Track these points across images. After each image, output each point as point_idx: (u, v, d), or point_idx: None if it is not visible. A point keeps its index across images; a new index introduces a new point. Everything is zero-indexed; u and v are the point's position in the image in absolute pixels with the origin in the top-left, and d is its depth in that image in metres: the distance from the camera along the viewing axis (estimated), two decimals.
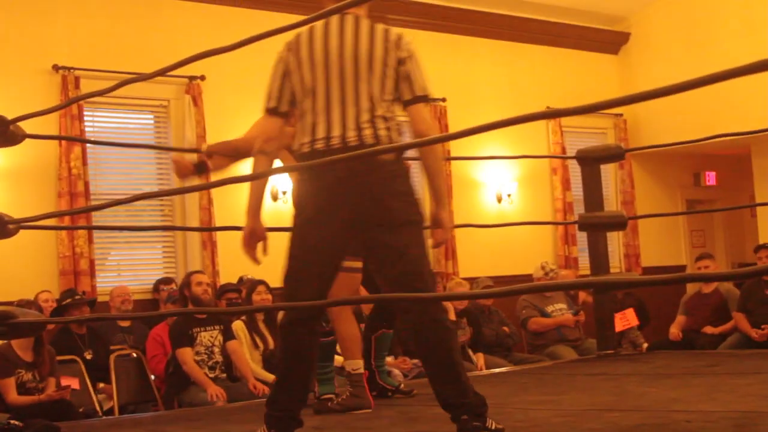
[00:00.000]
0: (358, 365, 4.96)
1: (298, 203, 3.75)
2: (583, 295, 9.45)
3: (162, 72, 3.79)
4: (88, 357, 7.33)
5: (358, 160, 3.49)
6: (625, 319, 9.32)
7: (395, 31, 3.70)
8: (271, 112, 3.81)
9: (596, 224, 6.91)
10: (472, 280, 9.32)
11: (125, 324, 7.90)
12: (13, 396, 6.16)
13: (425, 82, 3.68)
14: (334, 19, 3.69)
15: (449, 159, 10.50)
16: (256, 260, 3.85)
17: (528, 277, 9.67)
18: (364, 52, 3.62)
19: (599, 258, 7.03)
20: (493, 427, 3.51)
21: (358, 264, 4.93)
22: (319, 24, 3.70)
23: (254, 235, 3.84)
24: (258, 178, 3.93)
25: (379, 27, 3.68)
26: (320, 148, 3.60)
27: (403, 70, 3.64)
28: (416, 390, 5.39)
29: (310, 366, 3.77)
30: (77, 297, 7.60)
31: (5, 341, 6.26)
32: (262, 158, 3.90)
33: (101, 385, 7.29)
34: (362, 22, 3.69)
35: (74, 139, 8.23)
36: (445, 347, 3.55)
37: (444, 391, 3.54)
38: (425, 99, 3.69)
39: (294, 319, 3.68)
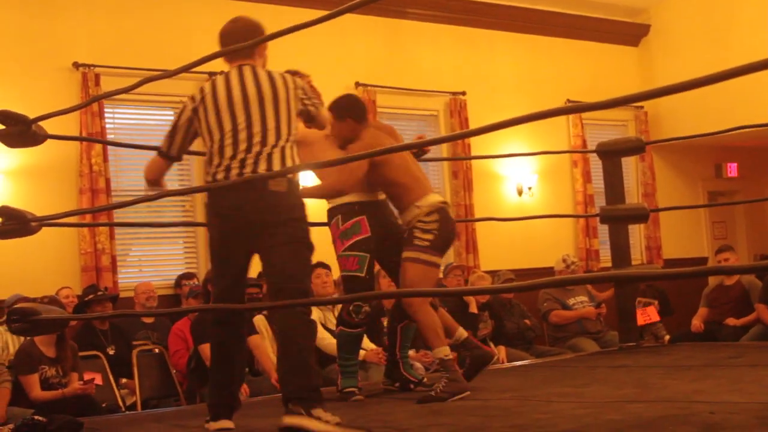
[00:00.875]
0: (447, 351, 4.99)
1: (207, 225, 4.29)
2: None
3: (184, 69, 3.83)
4: (111, 352, 7.37)
5: (251, 191, 4.00)
6: (646, 315, 9.31)
7: (288, 75, 4.31)
8: (161, 154, 4.32)
9: (618, 217, 6.89)
10: (493, 273, 9.29)
11: (148, 320, 7.93)
12: (36, 392, 6.21)
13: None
14: (233, 72, 4.20)
15: (471, 158, 10.49)
16: None
17: (549, 270, 9.64)
18: (268, 94, 4.14)
19: (621, 250, 7.01)
20: (322, 417, 3.79)
21: (438, 259, 5.02)
22: (219, 78, 4.23)
23: None
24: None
25: (276, 73, 4.22)
26: (221, 178, 4.09)
27: (312, 109, 4.32)
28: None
29: (237, 366, 4.28)
30: (99, 293, 7.64)
31: (28, 338, 6.30)
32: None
33: (124, 380, 7.32)
34: (259, 71, 4.22)
35: (95, 140, 8.24)
36: (301, 342, 3.97)
37: (288, 381, 3.93)
38: None
39: (219, 320, 4.21)
